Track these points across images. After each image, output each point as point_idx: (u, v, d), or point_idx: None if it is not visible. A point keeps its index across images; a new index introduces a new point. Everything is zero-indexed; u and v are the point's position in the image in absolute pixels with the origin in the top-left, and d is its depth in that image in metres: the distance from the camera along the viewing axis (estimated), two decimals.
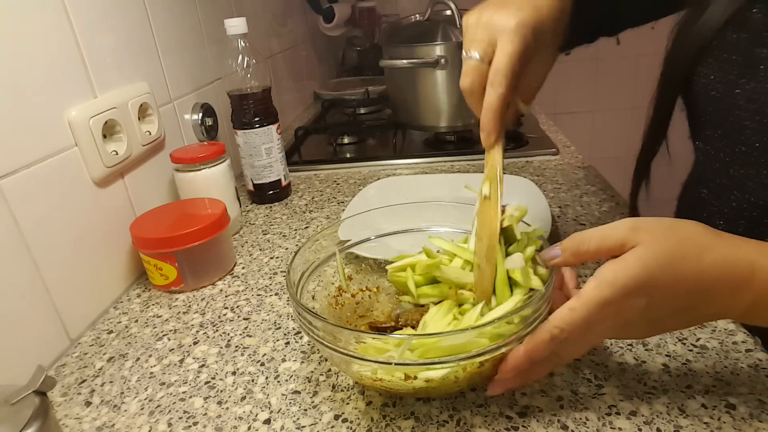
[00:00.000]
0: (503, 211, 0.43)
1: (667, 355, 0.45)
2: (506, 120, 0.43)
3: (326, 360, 0.49)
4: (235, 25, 0.77)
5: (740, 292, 0.34)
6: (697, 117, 0.53)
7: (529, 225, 0.45)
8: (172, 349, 0.53)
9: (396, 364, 0.37)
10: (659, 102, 0.53)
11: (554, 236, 0.66)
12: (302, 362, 0.49)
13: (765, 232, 0.47)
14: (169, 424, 0.43)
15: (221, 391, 0.47)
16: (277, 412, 0.43)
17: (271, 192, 0.86)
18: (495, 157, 0.43)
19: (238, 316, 0.57)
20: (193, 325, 0.57)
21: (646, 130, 0.55)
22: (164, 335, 0.55)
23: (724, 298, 0.35)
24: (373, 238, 0.56)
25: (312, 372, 0.48)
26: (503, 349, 0.37)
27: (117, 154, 0.63)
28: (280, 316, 0.56)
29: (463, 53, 0.42)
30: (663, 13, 0.58)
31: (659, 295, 0.34)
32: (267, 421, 0.43)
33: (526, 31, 0.40)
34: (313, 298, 0.49)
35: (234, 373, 0.49)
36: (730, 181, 0.50)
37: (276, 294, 0.61)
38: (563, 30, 0.46)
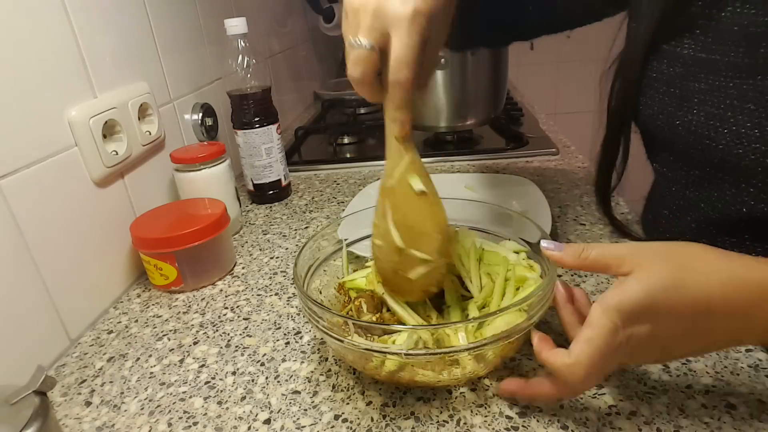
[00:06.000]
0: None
1: None
2: None
3: (326, 360, 0.49)
4: (235, 25, 0.77)
5: (754, 313, 0.33)
6: (650, 141, 0.55)
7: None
8: (172, 349, 0.53)
9: (406, 355, 0.38)
10: (609, 132, 0.56)
11: (554, 236, 0.66)
12: (302, 362, 0.49)
13: (723, 248, 0.48)
14: (169, 424, 0.43)
15: (221, 391, 0.47)
16: (277, 412, 0.43)
17: (271, 192, 0.86)
18: (413, 149, 0.42)
19: (238, 316, 0.57)
20: (193, 325, 0.57)
21: (599, 157, 0.57)
22: (164, 335, 0.55)
23: (737, 320, 0.33)
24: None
25: (312, 372, 0.48)
26: (512, 337, 0.39)
27: (117, 154, 0.63)
28: (280, 316, 0.56)
29: (350, 39, 0.38)
30: (582, 22, 0.60)
31: (664, 319, 0.33)
32: (267, 421, 0.43)
33: (422, 20, 0.37)
34: (320, 292, 0.50)
35: (234, 373, 0.49)
36: (687, 202, 0.52)
37: (276, 294, 0.61)
38: (452, 22, 0.43)
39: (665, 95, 0.49)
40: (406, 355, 0.38)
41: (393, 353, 0.39)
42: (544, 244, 0.40)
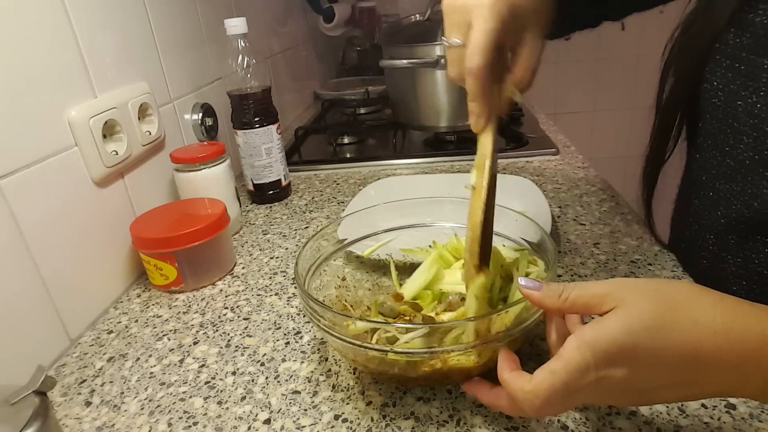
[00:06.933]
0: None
1: None
2: (500, 107, 0.41)
3: (326, 360, 0.49)
4: (235, 25, 0.77)
5: (748, 367, 0.29)
6: (694, 123, 0.51)
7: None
8: (172, 349, 0.53)
9: (403, 353, 0.38)
10: (667, 105, 0.51)
11: (554, 236, 0.66)
12: (302, 362, 0.49)
13: (756, 247, 0.46)
14: (169, 424, 0.43)
15: (221, 391, 0.47)
16: (277, 412, 0.43)
17: (271, 192, 0.86)
18: (484, 143, 0.41)
19: (238, 316, 0.57)
20: (193, 325, 0.57)
21: (652, 136, 0.53)
22: (164, 335, 0.55)
23: (728, 373, 0.29)
24: (379, 232, 0.56)
25: (312, 372, 0.48)
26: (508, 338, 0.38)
27: (117, 154, 0.63)
28: (280, 316, 0.56)
29: (444, 40, 0.39)
30: None
31: (644, 365, 0.30)
32: (267, 421, 0.43)
33: (500, 7, 0.37)
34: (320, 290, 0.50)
35: (234, 373, 0.49)
36: (717, 195, 0.48)
37: (276, 294, 0.61)
38: (549, 9, 0.43)
39: (728, 70, 0.42)
40: (403, 353, 0.38)
41: (392, 351, 0.39)
42: (521, 282, 0.36)
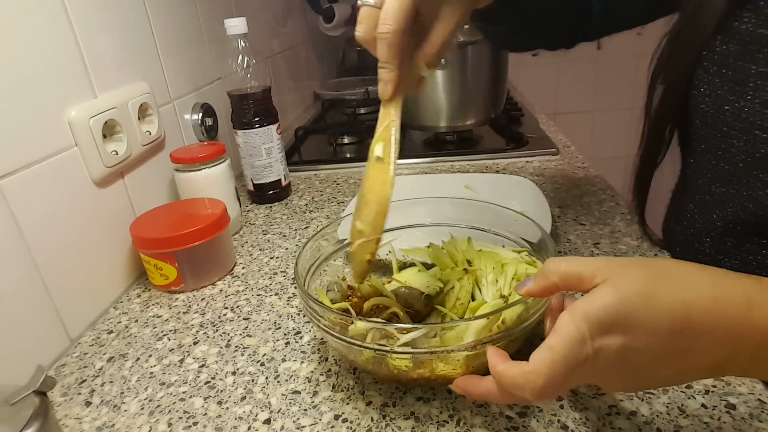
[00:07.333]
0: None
1: None
2: (410, 82, 0.41)
3: (326, 360, 0.49)
4: (235, 25, 0.77)
5: (739, 329, 0.29)
6: (686, 127, 0.51)
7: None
8: (172, 349, 0.53)
9: (404, 352, 0.38)
10: (657, 113, 0.51)
11: (554, 236, 0.66)
12: (302, 362, 0.49)
13: (753, 249, 0.46)
14: (169, 424, 0.44)
15: (221, 391, 0.47)
16: (277, 412, 0.44)
17: (271, 192, 0.86)
18: (391, 113, 0.41)
19: (238, 316, 0.57)
20: (193, 325, 0.57)
21: (642, 144, 0.53)
22: (164, 335, 0.55)
23: (719, 337, 0.30)
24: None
25: (312, 372, 0.48)
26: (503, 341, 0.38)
27: (117, 154, 0.63)
28: (280, 316, 0.56)
29: (359, 1, 0.39)
30: (649, 18, 0.56)
31: (638, 333, 0.30)
32: (267, 421, 0.43)
33: None
34: (326, 292, 0.50)
35: (234, 373, 0.49)
36: (712, 198, 0.48)
37: (276, 294, 0.61)
38: None
39: (715, 76, 0.43)
40: (403, 353, 0.38)
41: (391, 352, 0.39)
42: (516, 289, 0.37)
